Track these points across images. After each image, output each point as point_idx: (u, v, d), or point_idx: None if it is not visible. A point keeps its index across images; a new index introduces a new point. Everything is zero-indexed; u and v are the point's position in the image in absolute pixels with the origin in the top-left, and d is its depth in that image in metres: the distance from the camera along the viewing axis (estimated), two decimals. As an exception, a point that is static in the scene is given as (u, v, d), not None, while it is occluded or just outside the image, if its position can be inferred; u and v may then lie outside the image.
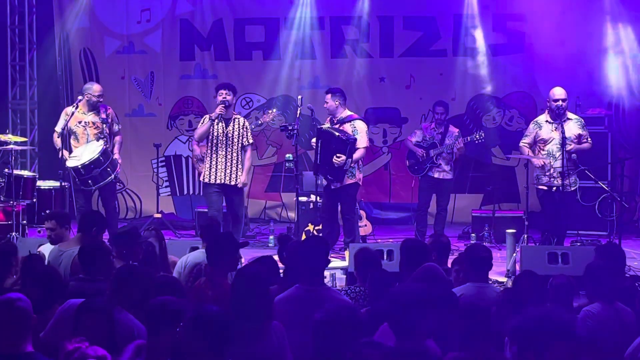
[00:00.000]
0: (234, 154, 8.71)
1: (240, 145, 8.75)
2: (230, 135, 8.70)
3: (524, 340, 3.55)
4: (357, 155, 8.79)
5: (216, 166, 8.68)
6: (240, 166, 8.74)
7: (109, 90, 11.97)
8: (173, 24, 12.20)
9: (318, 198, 9.52)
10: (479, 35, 11.60)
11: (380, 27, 11.91)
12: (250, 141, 8.86)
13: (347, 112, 9.00)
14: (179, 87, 12.28)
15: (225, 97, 8.65)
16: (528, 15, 11.53)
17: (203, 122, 8.78)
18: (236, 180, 8.71)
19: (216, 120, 8.63)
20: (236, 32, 12.10)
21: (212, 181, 8.69)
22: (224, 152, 8.68)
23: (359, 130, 8.85)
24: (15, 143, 9.81)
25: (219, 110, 8.62)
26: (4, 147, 9.70)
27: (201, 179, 8.85)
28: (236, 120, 8.81)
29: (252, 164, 12.00)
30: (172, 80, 12.27)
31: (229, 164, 8.69)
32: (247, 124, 8.89)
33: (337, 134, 8.66)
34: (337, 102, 8.92)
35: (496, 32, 11.67)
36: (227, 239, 5.54)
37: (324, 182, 9.07)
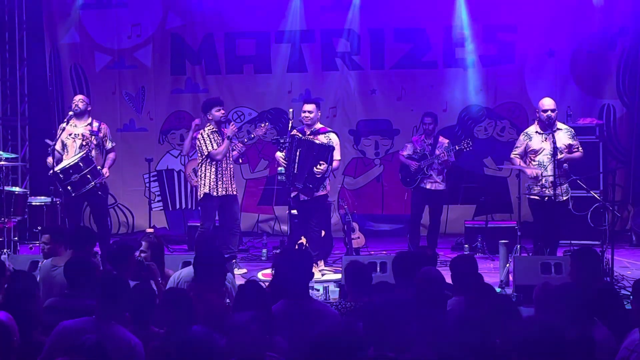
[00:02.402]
0: (230, 166, 8.89)
1: (231, 157, 8.94)
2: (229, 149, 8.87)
3: (524, 349, 3.53)
4: (334, 165, 8.79)
5: (219, 179, 8.73)
6: (233, 176, 8.97)
7: (100, 105, 12.00)
8: (164, 38, 12.20)
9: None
10: (469, 46, 11.63)
11: (371, 40, 11.92)
12: (235, 154, 9.10)
13: (320, 125, 8.94)
14: (170, 101, 12.27)
15: (225, 113, 8.92)
16: (518, 26, 11.56)
17: (209, 140, 8.70)
18: (234, 190, 8.91)
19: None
20: (227, 46, 12.10)
21: (216, 194, 8.74)
22: (225, 165, 8.79)
23: (334, 143, 8.81)
24: (6, 159, 9.77)
25: (235, 129, 8.91)
26: (-5, 163, 9.67)
27: (204, 191, 8.79)
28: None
29: (245, 178, 12.17)
30: (163, 94, 12.26)
31: (228, 175, 8.83)
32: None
33: (317, 141, 8.66)
34: (319, 114, 8.90)
35: (487, 43, 11.69)
36: (214, 255, 5.51)
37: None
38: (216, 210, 8.91)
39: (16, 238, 9.55)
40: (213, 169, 8.74)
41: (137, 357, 4.24)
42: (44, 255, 6.56)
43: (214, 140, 8.73)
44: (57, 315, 4.63)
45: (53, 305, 5.03)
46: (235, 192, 8.94)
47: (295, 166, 8.57)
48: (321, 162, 8.50)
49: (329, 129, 9.06)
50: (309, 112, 8.75)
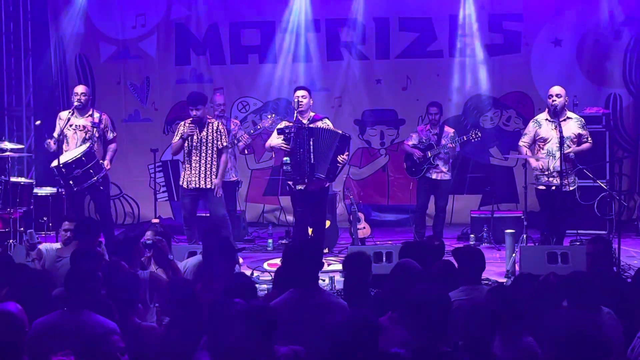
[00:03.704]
0: (209, 158, 8.57)
1: (215, 149, 8.60)
2: (204, 139, 8.55)
3: (556, 341, 3.52)
4: None
5: (191, 171, 8.55)
6: (213, 169, 8.60)
7: (105, 95, 12.02)
8: (168, 28, 12.17)
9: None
10: (475, 35, 11.59)
11: (376, 29, 11.88)
12: (225, 144, 8.69)
13: (312, 113, 8.63)
14: (175, 91, 12.24)
15: (195, 114, 8.51)
16: (524, 15, 11.53)
17: (177, 131, 8.68)
18: (212, 183, 8.58)
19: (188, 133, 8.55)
20: (232, 35, 12.07)
21: (186, 186, 8.60)
22: (197, 157, 8.54)
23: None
24: (12, 150, 9.76)
25: (189, 130, 8.51)
26: (1, 154, 9.66)
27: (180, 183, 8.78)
28: (210, 124, 8.63)
29: (250, 168, 12.14)
30: (168, 85, 12.23)
31: (203, 168, 8.55)
32: (220, 127, 8.71)
33: (340, 131, 8.45)
34: (311, 102, 8.67)
35: (492, 32, 11.65)
36: (224, 245, 5.50)
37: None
38: (190, 200, 8.66)
39: (22, 228, 9.53)
40: (185, 159, 8.65)
41: (113, 341, 4.21)
42: (66, 241, 6.59)
43: (180, 134, 8.61)
44: (65, 305, 4.62)
45: (60, 296, 5.03)
46: (211, 186, 8.55)
47: (312, 156, 8.25)
48: (344, 152, 8.30)
49: (322, 115, 8.84)
50: (303, 97, 8.45)
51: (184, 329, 4.30)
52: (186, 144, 8.59)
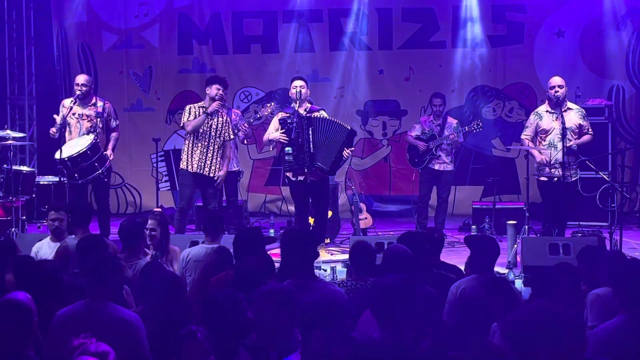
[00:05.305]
0: (215, 147, 8.51)
1: (222, 139, 8.55)
2: (213, 128, 8.49)
3: (516, 337, 3.55)
4: None
5: (197, 156, 8.46)
6: (218, 159, 8.54)
7: (107, 85, 12.01)
8: (171, 17, 12.15)
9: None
10: (478, 26, 11.58)
11: (379, 19, 11.87)
12: (232, 137, 8.70)
13: (308, 104, 8.44)
14: (177, 81, 12.24)
15: (222, 94, 8.51)
16: (527, 6, 11.53)
17: (189, 112, 8.53)
18: (213, 172, 8.53)
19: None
20: (234, 25, 12.06)
21: (190, 169, 8.50)
22: (206, 144, 8.47)
23: None
24: (14, 139, 9.76)
25: (216, 105, 8.43)
26: (3, 142, 9.66)
27: (181, 165, 8.63)
28: (220, 114, 8.59)
29: (252, 158, 12.14)
30: (170, 74, 12.23)
31: (209, 155, 8.48)
32: (228, 119, 8.71)
33: (348, 126, 8.28)
34: (309, 92, 8.49)
35: (495, 23, 11.64)
36: (254, 234, 5.51)
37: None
38: (192, 189, 8.63)
39: (24, 217, 9.54)
40: (190, 143, 8.52)
41: (135, 331, 4.22)
42: (54, 231, 6.59)
43: (194, 114, 8.51)
44: (69, 293, 4.63)
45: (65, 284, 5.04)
46: (213, 175, 8.49)
47: (311, 146, 8.06)
48: (349, 147, 8.15)
49: (318, 107, 8.63)
50: (301, 87, 8.25)
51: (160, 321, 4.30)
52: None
